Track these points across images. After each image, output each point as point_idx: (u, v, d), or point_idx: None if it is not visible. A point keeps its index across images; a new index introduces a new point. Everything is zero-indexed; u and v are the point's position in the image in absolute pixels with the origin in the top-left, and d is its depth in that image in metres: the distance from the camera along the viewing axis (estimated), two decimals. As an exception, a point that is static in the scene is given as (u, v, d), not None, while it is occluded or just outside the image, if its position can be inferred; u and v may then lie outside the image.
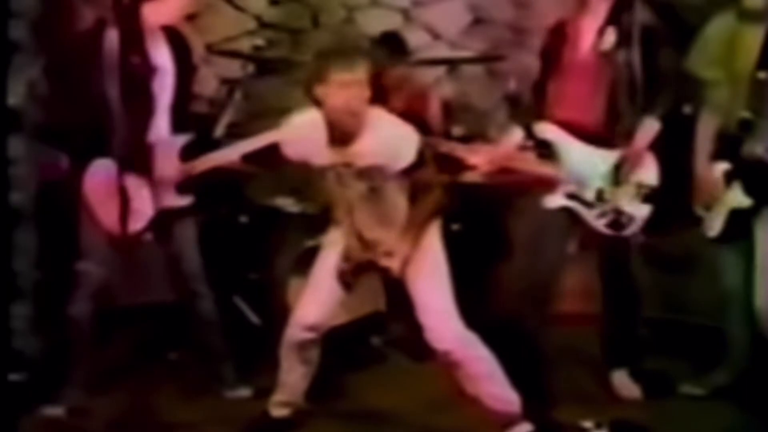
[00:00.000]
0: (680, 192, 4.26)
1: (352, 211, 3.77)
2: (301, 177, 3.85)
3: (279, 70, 5.27)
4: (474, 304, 3.97)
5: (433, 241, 3.77)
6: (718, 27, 4.24)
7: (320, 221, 4.35)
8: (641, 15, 4.10)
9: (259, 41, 5.35)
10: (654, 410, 4.17)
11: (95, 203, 3.99)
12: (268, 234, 5.04)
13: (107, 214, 3.95)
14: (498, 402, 3.74)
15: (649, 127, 4.13)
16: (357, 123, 3.58)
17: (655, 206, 4.19)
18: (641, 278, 4.31)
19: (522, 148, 4.27)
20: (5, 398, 3.48)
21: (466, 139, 4.93)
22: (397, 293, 3.95)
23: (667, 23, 4.24)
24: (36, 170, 3.71)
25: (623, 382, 4.37)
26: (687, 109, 4.55)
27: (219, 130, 4.70)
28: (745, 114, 4.03)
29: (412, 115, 4.15)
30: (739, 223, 4.10)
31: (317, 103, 3.58)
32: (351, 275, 3.80)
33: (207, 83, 5.29)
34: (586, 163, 4.14)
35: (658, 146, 4.20)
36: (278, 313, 4.51)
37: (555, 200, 4.18)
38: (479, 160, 4.16)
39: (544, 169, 4.19)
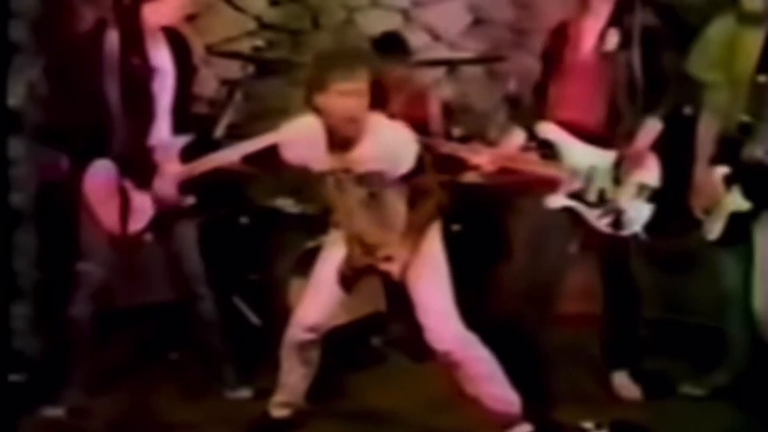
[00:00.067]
0: (680, 193, 4.26)
1: (352, 215, 3.77)
2: (301, 178, 3.84)
3: (279, 71, 5.28)
4: (474, 305, 3.97)
5: (433, 244, 3.77)
6: (718, 30, 4.24)
7: (320, 222, 4.35)
8: (642, 16, 4.10)
9: (259, 42, 5.35)
10: (654, 410, 4.17)
11: (95, 203, 3.99)
12: (268, 235, 5.04)
13: (107, 215, 3.96)
14: (498, 402, 3.74)
15: (652, 127, 4.13)
16: (357, 129, 3.57)
17: (656, 207, 4.19)
18: (641, 278, 4.31)
19: (524, 149, 4.27)
20: (5, 398, 3.48)
21: (465, 140, 4.93)
22: (397, 294, 3.95)
23: (667, 24, 4.25)
24: (36, 170, 3.70)
25: (623, 383, 4.37)
26: (687, 110, 4.55)
27: (219, 131, 4.70)
28: (745, 117, 4.03)
29: (412, 116, 4.16)
30: (739, 227, 4.10)
31: (317, 111, 3.57)
32: (352, 279, 3.80)
33: (207, 84, 5.30)
34: (587, 162, 4.15)
35: (658, 147, 4.20)
36: (278, 313, 4.51)
37: (557, 200, 4.18)
38: (482, 160, 4.15)
39: (547, 169, 4.19)
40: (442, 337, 3.70)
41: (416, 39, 5.42)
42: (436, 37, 5.71)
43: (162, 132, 4.07)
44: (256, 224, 5.05)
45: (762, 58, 4.02)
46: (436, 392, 4.15)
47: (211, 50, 5.26)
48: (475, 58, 5.69)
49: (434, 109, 5.09)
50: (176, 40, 4.12)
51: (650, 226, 4.20)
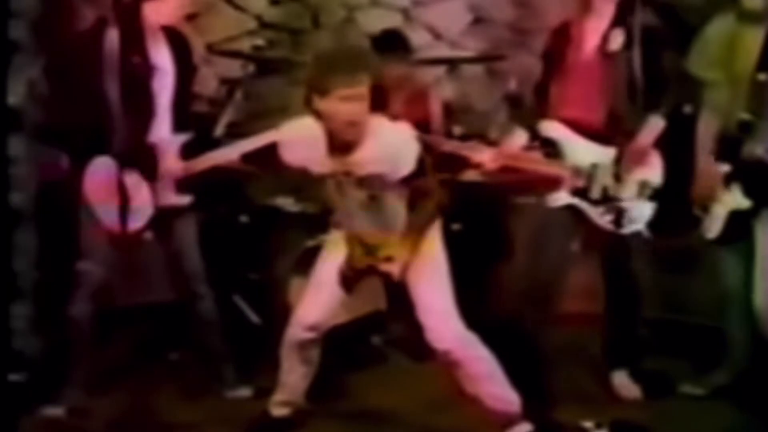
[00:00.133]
0: (680, 192, 4.26)
1: (352, 217, 3.76)
2: (301, 177, 3.84)
3: (279, 70, 5.28)
4: (474, 304, 3.97)
5: (433, 243, 3.77)
6: (718, 28, 4.24)
7: (320, 221, 4.36)
8: (643, 16, 4.10)
9: (260, 41, 5.34)
10: (654, 410, 4.17)
11: (95, 202, 3.99)
12: (268, 234, 5.04)
13: (107, 214, 3.95)
14: (498, 402, 3.74)
15: (654, 125, 4.14)
16: (357, 133, 3.56)
17: (658, 205, 4.19)
18: (642, 278, 4.31)
19: (527, 149, 4.26)
20: (5, 398, 3.48)
21: (465, 139, 4.92)
22: (398, 293, 3.95)
23: (667, 23, 4.25)
24: (36, 170, 3.71)
25: (623, 383, 4.37)
26: (687, 109, 4.55)
27: (219, 130, 4.70)
28: (745, 115, 4.03)
29: (413, 116, 4.15)
30: (739, 225, 4.10)
31: (317, 115, 3.56)
32: (353, 279, 3.80)
33: (207, 83, 5.29)
34: (590, 160, 4.15)
35: (660, 146, 4.20)
36: (278, 312, 4.51)
37: (560, 198, 4.18)
38: (484, 157, 4.14)
39: (550, 167, 4.18)
40: (442, 337, 3.70)
41: (417, 38, 5.41)
42: (436, 36, 5.71)
43: (162, 131, 4.07)
44: (256, 223, 5.05)
45: (762, 57, 4.02)
46: (436, 392, 4.15)
47: (211, 49, 5.25)
48: (476, 57, 5.69)
49: (435, 109, 5.09)
50: (176, 40, 4.12)
51: (651, 225, 4.20)
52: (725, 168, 4.11)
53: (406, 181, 3.64)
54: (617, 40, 4.10)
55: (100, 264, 4.06)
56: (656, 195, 4.19)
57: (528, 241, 4.41)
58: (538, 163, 4.22)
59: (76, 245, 4.07)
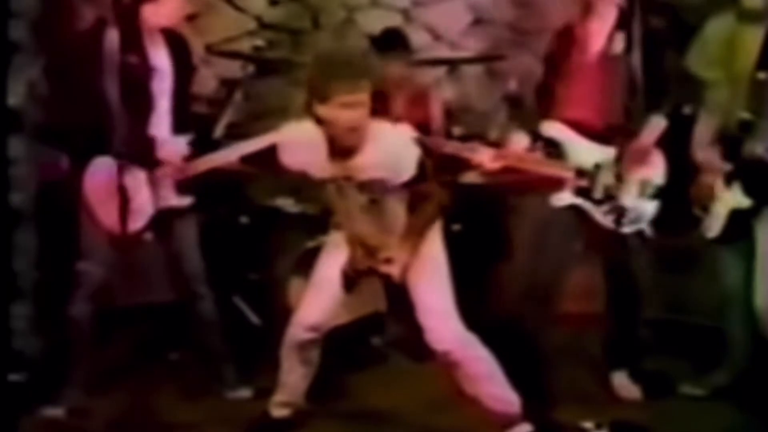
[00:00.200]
0: (680, 192, 4.26)
1: (352, 219, 3.76)
2: (301, 178, 3.84)
3: (279, 71, 5.28)
4: (474, 305, 3.97)
5: (433, 245, 3.77)
6: (718, 27, 4.24)
7: (320, 222, 4.35)
8: (646, 17, 4.10)
9: (259, 42, 5.34)
10: (654, 410, 4.17)
11: (95, 203, 3.99)
12: (268, 234, 5.04)
13: (107, 214, 3.95)
14: (498, 402, 3.74)
15: (656, 125, 4.15)
16: (358, 138, 3.56)
17: (660, 204, 4.20)
18: (643, 278, 4.30)
19: (530, 150, 4.26)
20: (5, 398, 3.48)
21: (465, 140, 4.92)
22: (398, 294, 3.94)
23: (668, 24, 4.25)
24: (36, 170, 3.71)
25: (623, 383, 4.37)
26: (687, 110, 4.55)
27: (219, 131, 4.69)
28: (745, 114, 4.03)
29: (414, 117, 4.15)
30: (739, 224, 4.10)
31: (318, 120, 3.55)
32: (354, 281, 3.80)
33: (207, 84, 5.30)
34: (593, 160, 4.15)
35: (660, 146, 4.20)
36: (278, 313, 4.52)
37: (563, 198, 4.18)
38: (485, 158, 4.14)
39: (552, 168, 4.18)
40: (442, 338, 3.70)
41: (417, 38, 5.40)
42: (436, 36, 5.70)
43: (161, 132, 4.07)
44: (256, 224, 5.05)
45: (762, 56, 4.02)
46: (436, 392, 4.15)
47: (211, 50, 5.25)
48: (476, 58, 5.69)
49: (435, 110, 5.08)
50: (175, 42, 4.12)
51: (653, 224, 4.20)
52: (726, 167, 4.11)
53: (407, 185, 3.64)
54: (621, 42, 4.11)
55: (100, 264, 4.06)
56: (659, 194, 4.19)
57: (531, 241, 4.40)
58: (540, 164, 4.22)
59: (76, 245, 4.07)
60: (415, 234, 3.70)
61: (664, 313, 4.97)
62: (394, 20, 5.55)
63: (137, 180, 3.97)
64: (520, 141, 4.28)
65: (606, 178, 4.15)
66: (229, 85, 5.09)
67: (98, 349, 4.18)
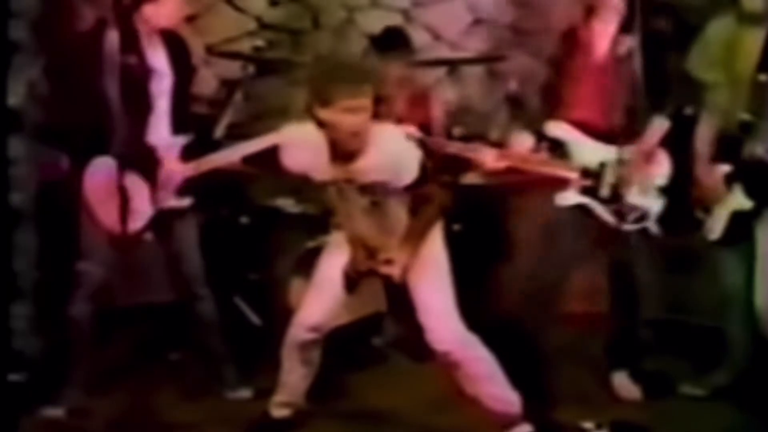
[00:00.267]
0: (681, 193, 4.26)
1: (353, 221, 3.77)
2: (302, 178, 3.84)
3: (279, 71, 5.28)
4: (475, 305, 3.97)
5: (434, 245, 3.77)
6: (718, 29, 4.24)
7: (321, 222, 4.36)
8: (649, 18, 4.11)
9: (260, 42, 5.34)
10: (654, 410, 4.17)
11: (95, 203, 3.99)
12: (268, 234, 5.04)
13: (107, 214, 3.95)
14: (498, 402, 3.74)
15: (659, 126, 4.15)
16: (360, 142, 3.56)
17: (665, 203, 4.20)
18: (646, 278, 4.30)
19: (535, 150, 4.26)
20: (5, 398, 3.47)
21: (466, 140, 4.92)
22: (398, 294, 3.95)
23: (670, 25, 4.26)
24: (36, 170, 3.70)
25: (623, 383, 4.37)
26: (688, 111, 4.55)
27: (219, 131, 4.70)
28: (746, 116, 4.03)
29: (414, 118, 4.15)
30: (741, 225, 4.10)
31: (320, 124, 3.55)
32: (355, 281, 3.80)
33: (207, 84, 5.30)
34: (598, 160, 4.15)
35: (663, 146, 4.21)
36: (279, 313, 4.52)
37: (568, 197, 4.18)
38: (489, 158, 4.13)
39: (557, 169, 4.18)
40: (442, 338, 3.70)
41: (417, 39, 5.40)
42: (436, 37, 5.70)
43: (161, 132, 4.07)
44: (256, 224, 5.05)
45: (762, 58, 4.03)
46: (436, 392, 4.15)
47: (211, 50, 5.25)
48: (476, 58, 5.68)
49: (436, 111, 5.08)
50: (174, 43, 4.12)
51: (657, 223, 4.20)
52: (726, 168, 4.11)
53: (409, 188, 3.64)
54: (626, 43, 4.11)
55: (100, 264, 4.06)
56: (663, 193, 4.19)
57: (537, 242, 4.41)
58: (544, 164, 4.22)
59: (76, 245, 4.07)
60: (415, 236, 3.70)
61: (665, 313, 4.96)
62: (394, 20, 5.54)
63: (137, 180, 3.97)
64: (524, 141, 4.29)
65: (611, 177, 4.16)
66: (229, 85, 5.10)
67: (98, 349, 4.18)
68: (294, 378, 3.95)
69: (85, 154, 3.99)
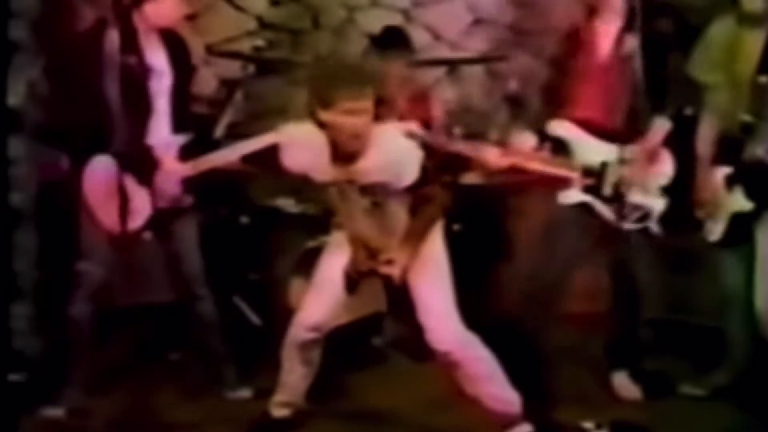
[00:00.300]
0: (682, 194, 4.26)
1: (354, 221, 3.77)
2: (302, 178, 3.84)
3: (279, 71, 5.28)
4: (475, 305, 3.97)
5: (434, 245, 3.77)
6: (719, 31, 4.24)
7: (321, 222, 4.35)
8: (650, 18, 4.11)
9: (260, 42, 5.34)
10: (654, 410, 4.17)
11: (95, 202, 3.98)
12: (268, 234, 5.04)
13: (107, 214, 3.95)
14: (498, 402, 3.74)
15: (661, 126, 4.16)
16: (361, 144, 3.56)
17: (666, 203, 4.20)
18: (647, 278, 4.30)
19: (537, 149, 4.26)
20: (5, 398, 3.47)
21: (466, 140, 4.92)
22: (398, 294, 3.94)
23: (672, 26, 4.26)
24: (36, 170, 3.70)
25: (623, 383, 4.37)
26: (688, 111, 4.55)
27: (219, 131, 4.69)
28: (747, 117, 4.03)
29: (415, 118, 4.14)
30: (741, 227, 4.10)
31: (321, 126, 3.55)
32: (356, 281, 3.80)
33: (207, 84, 5.30)
34: (601, 158, 4.15)
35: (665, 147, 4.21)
36: (279, 313, 4.51)
37: (571, 196, 4.18)
38: (492, 156, 4.13)
39: (560, 168, 4.18)
40: (442, 338, 3.70)
41: (417, 39, 5.40)
42: (436, 36, 5.70)
43: (161, 132, 4.07)
44: (256, 224, 5.05)
45: (763, 59, 4.03)
46: (436, 392, 4.15)
47: (211, 50, 5.25)
48: (476, 58, 5.68)
49: (437, 111, 5.08)
50: (174, 42, 4.11)
51: (659, 222, 4.21)
52: (726, 170, 4.12)
53: (410, 188, 3.64)
54: (629, 43, 4.11)
55: (100, 264, 4.05)
56: (666, 192, 4.20)
57: (539, 241, 4.41)
58: (547, 163, 4.21)
59: (76, 245, 4.07)
60: (416, 236, 3.70)
61: (665, 313, 4.97)
62: (394, 20, 5.54)
63: (137, 179, 3.97)
64: (527, 141, 4.28)
65: (614, 176, 4.16)
66: (229, 85, 5.09)
67: (98, 349, 4.18)
68: (294, 378, 3.95)
69: (85, 153, 3.99)
